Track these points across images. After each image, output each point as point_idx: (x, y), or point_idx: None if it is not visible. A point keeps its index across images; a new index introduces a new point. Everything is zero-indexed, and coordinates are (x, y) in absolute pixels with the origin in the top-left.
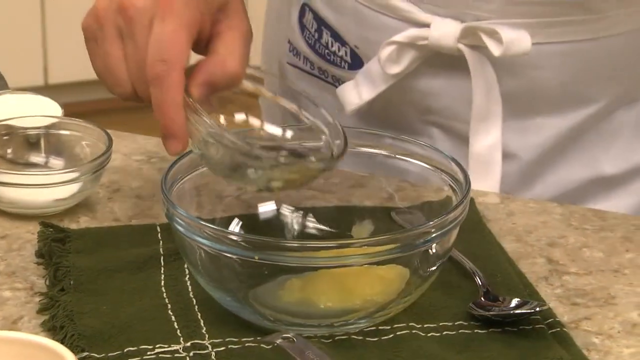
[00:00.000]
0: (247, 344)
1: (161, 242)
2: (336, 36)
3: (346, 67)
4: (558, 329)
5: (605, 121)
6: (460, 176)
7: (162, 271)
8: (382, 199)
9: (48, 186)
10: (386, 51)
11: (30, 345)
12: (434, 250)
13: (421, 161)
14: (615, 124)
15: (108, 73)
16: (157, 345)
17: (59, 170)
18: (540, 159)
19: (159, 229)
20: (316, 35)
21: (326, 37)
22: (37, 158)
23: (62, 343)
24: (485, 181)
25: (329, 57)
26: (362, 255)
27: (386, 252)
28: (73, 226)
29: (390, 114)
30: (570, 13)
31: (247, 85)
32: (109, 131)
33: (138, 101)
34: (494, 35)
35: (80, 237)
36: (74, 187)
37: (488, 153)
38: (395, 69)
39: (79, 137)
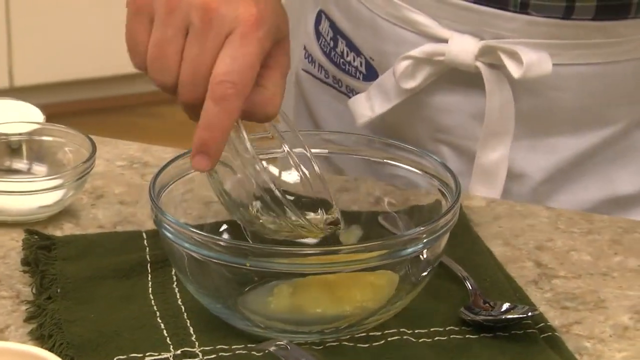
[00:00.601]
0: (237, 352)
1: (147, 248)
2: (351, 46)
3: (361, 77)
4: (549, 334)
5: (621, 141)
6: (450, 181)
7: (149, 278)
8: (369, 203)
9: (32, 193)
10: (402, 66)
11: (20, 354)
12: (424, 256)
13: (410, 165)
14: (631, 143)
15: (157, 57)
16: (147, 354)
17: (43, 177)
18: (553, 179)
19: (144, 236)
20: (332, 44)
21: (341, 46)
22: (19, 164)
23: (50, 352)
24: (486, 195)
25: (343, 67)
26: (353, 262)
27: (377, 259)
28: (57, 233)
29: (401, 130)
30: (591, 36)
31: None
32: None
33: (172, 94)
34: (514, 56)
35: (66, 244)
36: (58, 194)
37: (493, 168)
38: (410, 84)
39: (62, 143)
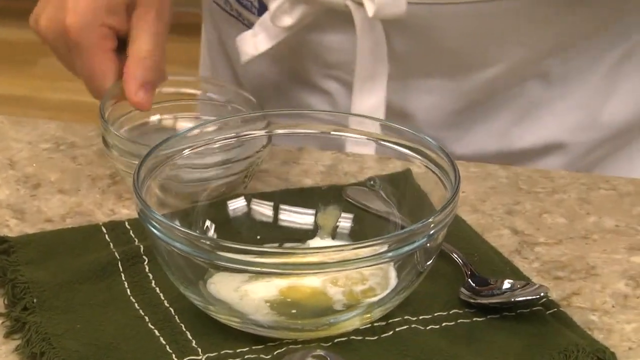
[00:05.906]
0: (246, 356)
1: (111, 244)
2: None
3: (255, 12)
4: (555, 309)
5: (513, 92)
6: (445, 163)
7: (123, 278)
8: (322, 174)
9: None
10: (275, 3)
11: None
12: (430, 244)
13: (400, 146)
14: (525, 96)
15: None
16: None
17: None
18: (440, 124)
19: (104, 230)
20: None
21: None
22: None
23: None
24: None
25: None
26: (356, 260)
27: (384, 255)
28: (6, 231)
29: (293, 66)
30: None
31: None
32: None
33: None
34: None
35: (24, 245)
36: None
37: (370, 113)
38: (285, 22)
39: None
